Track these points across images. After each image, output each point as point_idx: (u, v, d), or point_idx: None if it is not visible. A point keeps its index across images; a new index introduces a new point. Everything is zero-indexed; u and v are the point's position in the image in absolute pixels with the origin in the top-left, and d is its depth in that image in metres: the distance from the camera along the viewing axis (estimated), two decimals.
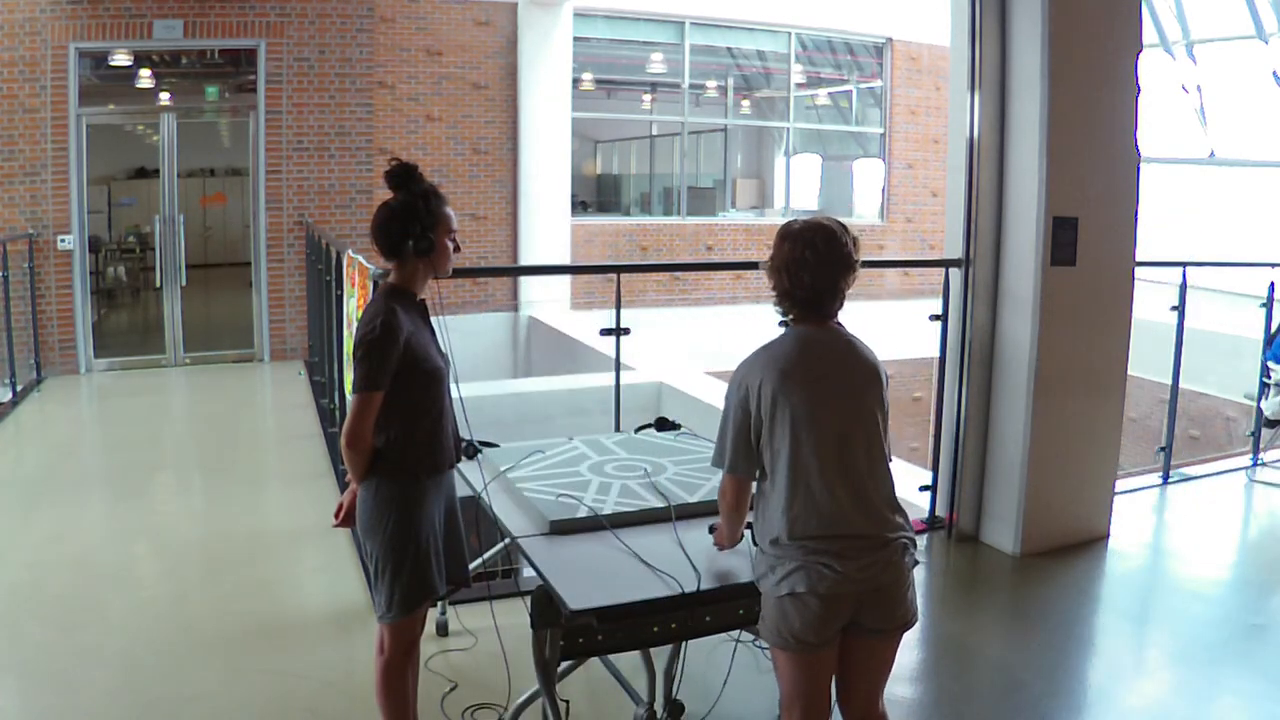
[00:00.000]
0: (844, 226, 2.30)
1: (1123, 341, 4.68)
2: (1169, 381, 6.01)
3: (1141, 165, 4.58)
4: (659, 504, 2.76)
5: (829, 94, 14.05)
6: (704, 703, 3.07)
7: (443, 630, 3.61)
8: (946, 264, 4.72)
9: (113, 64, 8.90)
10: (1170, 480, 5.73)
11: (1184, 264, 5.88)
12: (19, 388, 7.78)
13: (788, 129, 13.30)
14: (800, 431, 2.20)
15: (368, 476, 2.54)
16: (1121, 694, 3.45)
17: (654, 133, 14.18)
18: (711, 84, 13.33)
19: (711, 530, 2.52)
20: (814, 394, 2.21)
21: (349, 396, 4.81)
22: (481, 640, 3.49)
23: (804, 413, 2.20)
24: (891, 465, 2.31)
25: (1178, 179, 14.07)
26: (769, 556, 2.24)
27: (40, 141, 8.36)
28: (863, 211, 13.75)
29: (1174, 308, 5.81)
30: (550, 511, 2.69)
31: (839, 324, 2.33)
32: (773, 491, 2.24)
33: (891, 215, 13.26)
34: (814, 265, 2.24)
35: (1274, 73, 12.93)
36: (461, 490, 2.85)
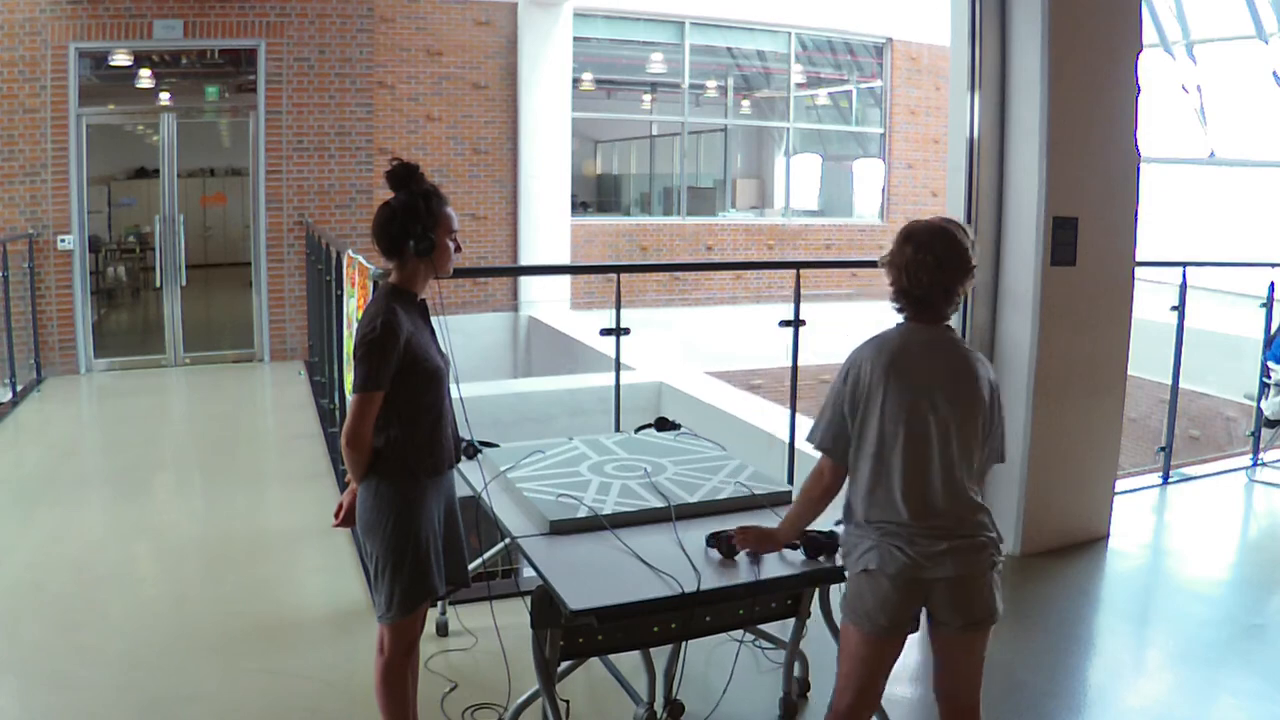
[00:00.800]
0: (964, 229, 2.34)
1: (1123, 341, 4.68)
2: (1169, 381, 6.01)
3: (1141, 165, 4.58)
4: (659, 504, 2.76)
5: (829, 94, 14.04)
6: (704, 703, 3.06)
7: (443, 630, 3.60)
8: None
9: (113, 64, 8.90)
10: (1170, 480, 5.73)
11: (1184, 264, 5.88)
12: (19, 388, 7.78)
13: (788, 129, 13.30)
14: (891, 420, 2.26)
15: (367, 476, 2.54)
16: (1121, 694, 3.45)
17: (654, 133, 14.17)
18: (711, 84, 13.32)
19: (717, 539, 2.49)
20: (911, 386, 2.27)
21: (349, 396, 4.81)
22: (481, 640, 3.49)
23: (898, 402, 2.26)
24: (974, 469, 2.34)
25: (1178, 179, 14.07)
26: (852, 534, 2.32)
27: (40, 141, 8.36)
28: (863, 211, 13.75)
29: (1174, 308, 5.81)
30: (550, 511, 2.69)
31: (949, 326, 2.37)
32: (859, 473, 2.32)
33: (891, 215, 13.24)
34: (933, 268, 2.28)
35: (1274, 73, 12.93)
36: (461, 490, 2.85)
